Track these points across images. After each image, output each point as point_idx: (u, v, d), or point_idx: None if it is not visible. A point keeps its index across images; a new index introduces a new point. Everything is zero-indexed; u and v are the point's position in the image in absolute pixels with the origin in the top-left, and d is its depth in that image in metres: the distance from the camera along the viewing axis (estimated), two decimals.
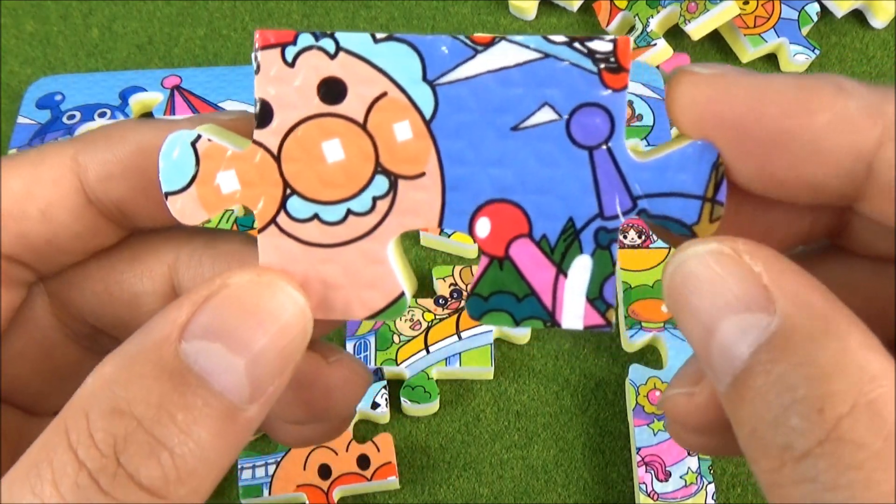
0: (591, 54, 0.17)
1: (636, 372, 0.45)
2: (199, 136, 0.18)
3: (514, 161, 0.18)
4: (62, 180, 0.19)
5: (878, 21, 0.58)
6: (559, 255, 0.18)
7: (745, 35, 0.56)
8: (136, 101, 0.53)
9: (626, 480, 0.44)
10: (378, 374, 0.45)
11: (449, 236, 0.49)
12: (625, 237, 0.48)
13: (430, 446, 0.45)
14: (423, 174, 0.18)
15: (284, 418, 0.22)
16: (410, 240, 0.51)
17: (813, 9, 0.57)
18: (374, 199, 0.18)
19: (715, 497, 0.41)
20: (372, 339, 0.46)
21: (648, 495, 0.41)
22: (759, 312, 0.14)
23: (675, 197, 0.17)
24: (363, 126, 0.18)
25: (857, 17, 0.59)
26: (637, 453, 0.43)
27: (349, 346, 0.46)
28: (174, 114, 0.53)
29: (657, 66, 0.55)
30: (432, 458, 0.45)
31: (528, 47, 0.17)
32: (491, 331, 0.46)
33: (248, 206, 0.18)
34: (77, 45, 0.59)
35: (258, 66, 0.18)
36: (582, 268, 0.18)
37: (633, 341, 0.45)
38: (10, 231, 0.19)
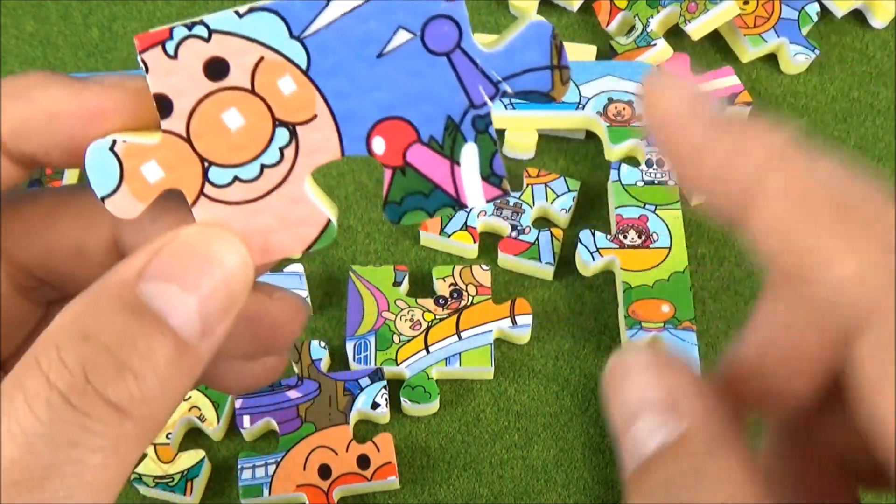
0: None
1: None
2: (114, 141, 0.20)
3: (387, 83, 0.20)
4: None
5: (878, 21, 0.58)
6: (448, 149, 0.21)
7: (745, 35, 0.56)
8: None
9: None
10: (378, 374, 0.45)
11: (449, 236, 0.49)
12: (625, 237, 0.48)
13: (430, 446, 0.45)
14: (315, 116, 0.20)
15: (235, 354, 0.23)
16: (411, 240, 0.51)
17: (813, 9, 0.57)
18: (281, 150, 0.21)
19: None
20: (372, 339, 0.46)
21: None
22: (668, 419, 0.17)
23: (528, 73, 0.20)
24: (252, 91, 0.20)
25: (857, 17, 0.59)
26: None
27: (349, 347, 0.46)
28: None
29: (657, 66, 0.55)
30: (432, 458, 0.45)
31: None
32: (491, 331, 0.46)
33: (176, 187, 0.21)
34: (77, 45, 0.59)
35: (146, 67, 0.20)
36: (470, 154, 0.21)
37: (633, 341, 0.46)
38: None
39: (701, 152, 0.18)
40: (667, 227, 0.48)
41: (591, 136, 0.54)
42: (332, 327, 0.48)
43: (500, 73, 0.20)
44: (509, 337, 0.47)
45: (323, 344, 0.46)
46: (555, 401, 0.46)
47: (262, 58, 0.20)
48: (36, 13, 0.60)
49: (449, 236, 0.49)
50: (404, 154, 0.21)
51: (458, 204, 0.21)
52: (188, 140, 0.20)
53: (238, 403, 0.45)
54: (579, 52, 0.56)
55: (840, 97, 0.56)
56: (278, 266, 0.25)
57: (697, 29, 0.55)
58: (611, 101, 0.52)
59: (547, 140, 0.54)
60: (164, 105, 0.20)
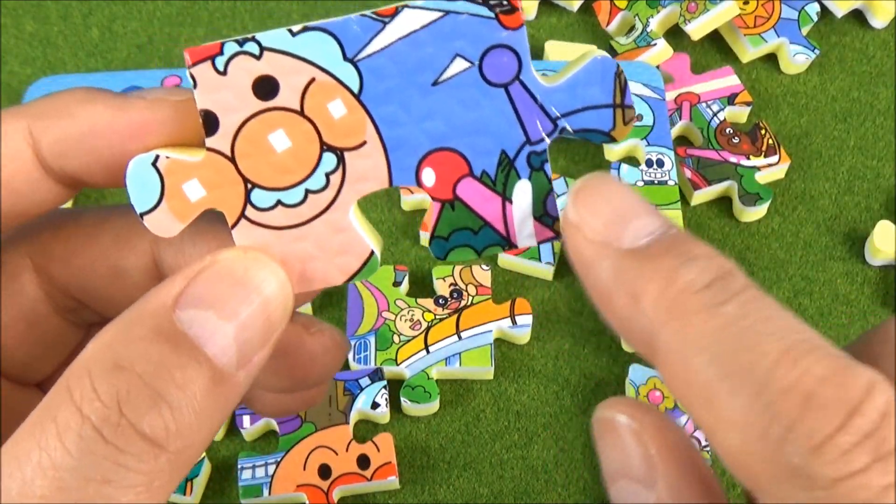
0: (485, 2, 0.19)
1: (636, 372, 0.45)
2: (157, 156, 0.20)
3: (441, 112, 0.20)
4: (18, 154, 0.20)
5: (878, 21, 0.58)
6: (500, 185, 0.20)
7: (745, 35, 0.56)
8: None
9: None
10: (378, 374, 0.45)
11: None
12: None
13: (430, 446, 0.45)
14: (364, 143, 0.20)
15: (269, 387, 0.23)
16: (411, 240, 0.51)
17: (813, 9, 0.57)
18: (327, 175, 0.20)
19: None
20: (372, 339, 0.46)
21: None
22: (643, 486, 0.17)
23: (589, 110, 0.20)
24: (301, 112, 0.20)
25: (857, 17, 0.59)
26: None
27: None
28: None
29: (657, 66, 0.55)
30: (432, 458, 0.45)
31: (428, 9, 0.19)
32: (491, 331, 0.46)
33: (217, 208, 0.20)
34: (77, 45, 0.59)
35: (194, 82, 0.19)
36: (523, 192, 0.20)
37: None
38: None
39: (608, 297, 0.18)
40: None
41: None
42: None
43: (559, 109, 0.20)
44: (509, 337, 0.47)
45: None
46: (555, 401, 0.46)
47: (313, 79, 0.19)
48: (36, 13, 0.60)
49: None
50: (454, 187, 0.20)
51: (507, 243, 0.20)
52: (232, 159, 0.20)
53: None
54: (579, 53, 0.56)
55: (840, 97, 0.56)
56: (319, 296, 0.23)
57: (697, 29, 0.55)
58: None
59: None
60: (210, 122, 0.19)
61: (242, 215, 0.20)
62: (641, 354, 0.18)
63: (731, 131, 0.53)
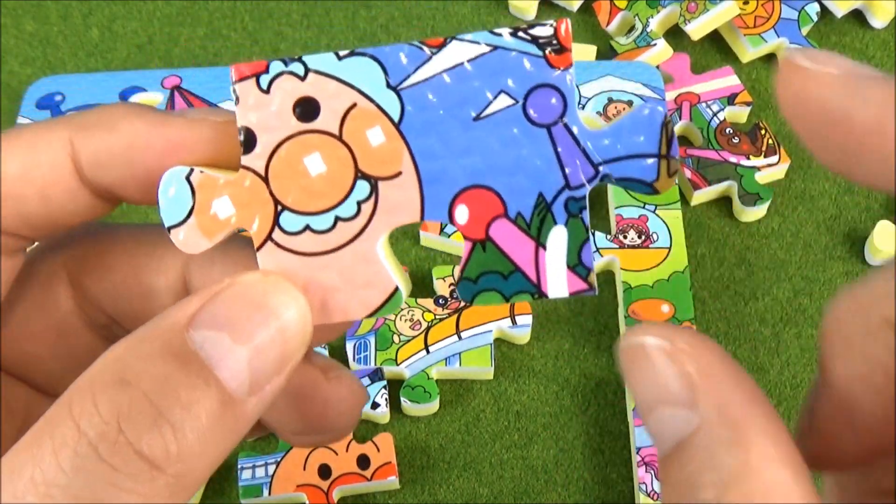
0: (534, 40, 0.18)
1: None
2: (191, 170, 0.19)
3: (480, 148, 0.19)
4: (58, 164, 0.20)
5: (878, 21, 0.58)
6: (535, 229, 0.19)
7: (745, 35, 0.56)
8: (136, 102, 0.53)
9: (626, 480, 0.44)
10: (378, 374, 0.45)
11: (449, 236, 0.49)
12: (625, 237, 0.48)
13: (430, 446, 0.45)
14: (399, 173, 0.19)
15: (283, 428, 0.22)
16: (411, 240, 0.51)
17: (813, 9, 0.57)
18: (359, 203, 0.19)
19: None
20: (372, 339, 0.46)
21: (648, 495, 0.41)
22: (683, 409, 0.16)
23: (633, 159, 0.19)
24: (339, 137, 0.19)
25: (857, 17, 0.59)
26: (637, 453, 0.43)
27: (349, 347, 0.46)
28: None
29: (657, 66, 0.55)
30: (432, 458, 0.45)
31: (477, 43, 0.19)
32: (491, 331, 0.46)
33: (244, 227, 0.19)
34: (77, 45, 0.59)
35: (237, 98, 0.19)
36: (558, 238, 0.19)
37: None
38: (10, 211, 0.20)
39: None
40: (667, 227, 0.48)
41: None
42: None
43: (602, 155, 0.19)
44: (509, 337, 0.47)
45: (323, 344, 0.46)
46: (555, 401, 0.46)
47: (354, 104, 0.19)
48: (36, 13, 0.60)
49: (449, 236, 0.49)
50: (488, 227, 0.19)
51: (537, 292, 0.19)
52: (266, 179, 0.19)
53: None
54: (579, 52, 0.56)
55: None
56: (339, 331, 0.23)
57: (697, 29, 0.55)
58: (611, 100, 0.52)
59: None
60: (248, 140, 0.19)
61: (269, 237, 0.19)
62: None
63: (731, 131, 0.53)
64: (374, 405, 0.44)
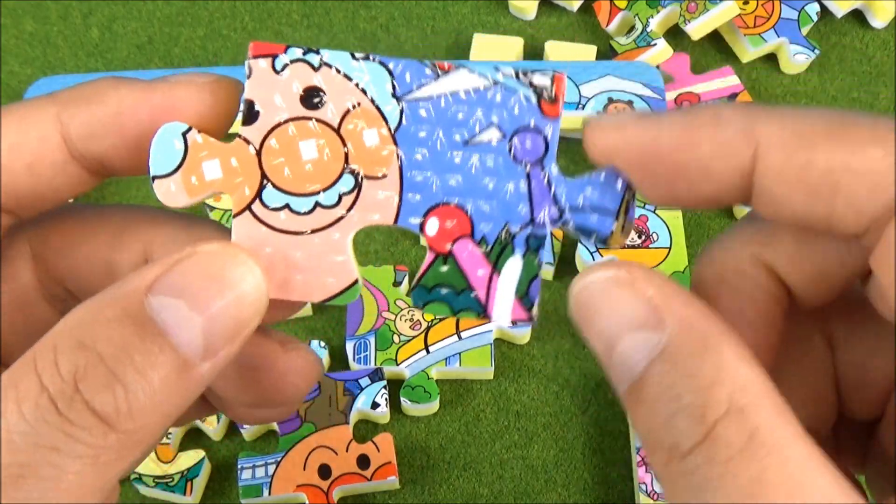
0: (532, 86, 0.20)
1: None
2: (189, 129, 0.20)
3: (463, 170, 0.20)
4: (47, 138, 0.20)
5: (878, 21, 0.58)
6: (495, 255, 0.20)
7: (745, 35, 0.56)
8: None
9: (626, 480, 0.44)
10: (378, 374, 0.45)
11: None
12: None
13: (430, 446, 0.45)
14: (385, 176, 0.20)
15: (238, 401, 0.23)
16: (411, 240, 0.51)
17: (813, 9, 0.57)
18: (341, 195, 0.20)
19: None
20: (372, 339, 0.46)
21: (648, 495, 0.41)
22: (651, 331, 0.17)
23: (595, 212, 0.20)
24: (337, 130, 0.20)
25: (857, 17, 0.59)
26: (637, 453, 0.43)
27: (349, 347, 0.46)
28: None
29: (657, 66, 0.55)
30: (432, 458, 0.45)
31: (483, 76, 0.20)
32: (491, 331, 0.46)
33: (226, 192, 0.20)
34: (77, 45, 0.59)
35: (249, 72, 0.20)
36: (513, 268, 0.20)
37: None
38: None
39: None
40: (667, 227, 0.48)
41: None
42: (332, 327, 0.48)
43: (568, 202, 0.20)
44: (509, 337, 0.47)
45: (323, 344, 0.46)
46: (555, 401, 0.46)
47: (358, 103, 0.20)
48: (36, 13, 0.60)
49: None
50: (452, 244, 0.21)
51: (483, 313, 0.21)
52: (258, 153, 0.20)
53: None
54: (579, 52, 0.56)
55: (840, 97, 0.56)
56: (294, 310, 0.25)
57: (697, 29, 0.55)
58: (611, 100, 0.52)
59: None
60: (250, 113, 0.20)
61: (248, 207, 0.20)
62: (726, 200, 0.18)
63: None
64: (374, 405, 0.44)
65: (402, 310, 0.47)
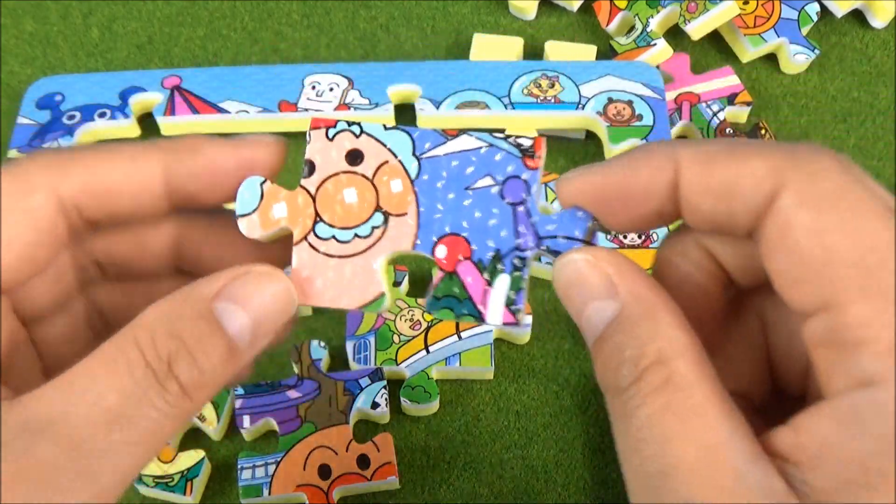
0: (518, 146, 0.27)
1: None
2: (264, 180, 0.27)
3: (465, 209, 0.27)
4: (151, 178, 0.27)
5: (878, 21, 0.58)
6: (489, 273, 0.26)
7: (745, 35, 0.56)
8: (136, 102, 0.53)
9: None
10: (378, 374, 0.45)
11: None
12: (624, 237, 0.48)
13: (430, 446, 0.45)
14: (405, 214, 0.27)
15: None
16: None
17: (813, 9, 0.57)
18: (373, 228, 0.27)
19: None
20: (372, 339, 0.46)
21: None
22: (608, 299, 0.22)
23: (566, 239, 0.26)
24: (371, 180, 0.27)
25: (857, 17, 0.59)
26: None
27: (349, 347, 0.46)
28: (174, 114, 0.53)
29: (657, 66, 0.55)
30: (432, 458, 0.45)
31: (480, 139, 0.27)
32: (491, 331, 0.46)
33: (290, 227, 0.27)
34: (77, 45, 0.59)
35: (309, 139, 0.27)
36: (503, 283, 0.26)
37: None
38: (100, 204, 0.27)
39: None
40: (667, 227, 0.48)
41: (590, 135, 0.54)
42: (332, 327, 0.48)
43: (545, 233, 0.26)
44: (509, 337, 0.47)
45: (323, 344, 0.46)
46: (555, 401, 0.46)
47: (387, 161, 0.27)
48: (36, 13, 0.60)
49: None
50: (456, 265, 0.26)
51: (479, 317, 0.26)
52: (313, 198, 0.27)
53: (238, 403, 0.45)
54: (579, 52, 0.56)
55: (840, 97, 0.56)
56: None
57: (697, 29, 0.55)
58: (611, 100, 0.52)
59: (546, 140, 0.54)
60: (309, 167, 0.27)
61: (305, 238, 0.27)
62: (664, 219, 0.24)
63: (731, 131, 0.53)
64: (374, 405, 0.44)
65: (402, 310, 0.47)
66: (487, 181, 0.27)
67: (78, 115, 0.53)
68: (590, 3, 0.59)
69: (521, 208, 0.26)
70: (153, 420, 0.23)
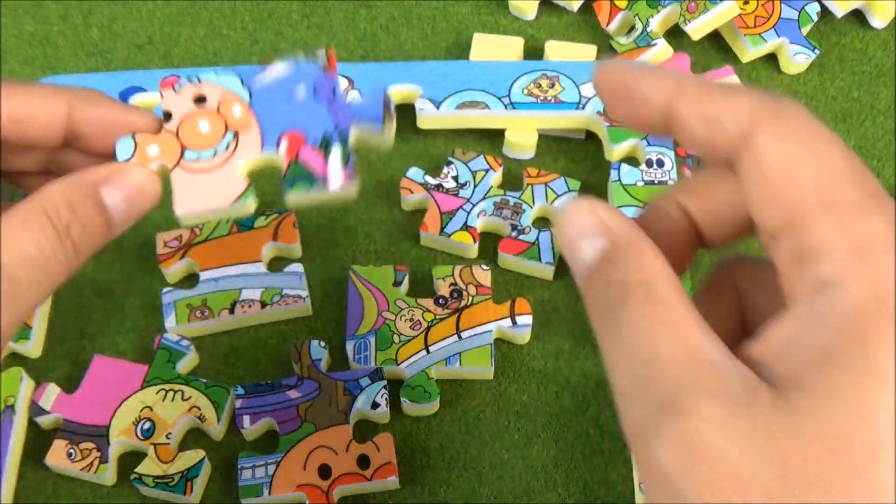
0: (318, 60, 0.36)
1: None
2: (134, 134, 0.35)
3: (293, 113, 0.35)
4: (59, 111, 0.34)
5: (878, 21, 0.58)
6: (323, 149, 0.34)
7: (745, 35, 0.56)
8: (137, 102, 0.53)
9: (626, 480, 0.44)
10: (378, 374, 0.45)
11: (449, 236, 0.49)
12: None
13: (430, 446, 0.45)
14: (249, 128, 0.35)
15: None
16: (411, 240, 0.51)
17: (813, 9, 0.57)
18: (228, 144, 0.35)
19: None
20: (372, 339, 0.46)
21: None
22: (599, 237, 0.26)
23: (368, 113, 0.36)
24: (217, 111, 0.35)
25: (857, 17, 0.59)
26: None
27: (349, 347, 0.46)
28: None
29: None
30: (432, 458, 0.45)
31: (290, 63, 0.36)
32: (491, 331, 0.46)
33: (163, 160, 0.34)
34: (77, 45, 0.59)
35: (161, 96, 0.35)
36: (335, 154, 0.34)
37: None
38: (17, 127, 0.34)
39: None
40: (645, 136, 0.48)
41: (591, 135, 0.54)
42: (332, 327, 0.48)
43: (353, 112, 0.35)
44: (509, 337, 0.47)
45: (323, 344, 0.46)
46: (555, 401, 0.46)
47: (225, 95, 0.35)
48: (36, 13, 0.60)
49: (449, 236, 0.49)
50: (297, 152, 0.34)
51: (325, 182, 0.34)
52: (177, 135, 0.35)
53: (238, 403, 0.45)
54: (580, 52, 0.56)
55: (840, 97, 0.56)
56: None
57: (697, 29, 0.55)
58: None
59: (547, 140, 0.54)
60: (166, 116, 0.35)
61: (178, 164, 0.34)
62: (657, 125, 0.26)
63: None
64: (374, 405, 0.44)
65: (402, 310, 0.47)
66: (303, 89, 0.36)
67: None
68: (590, 3, 0.59)
69: (333, 102, 0.35)
70: (53, 267, 0.31)
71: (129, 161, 0.34)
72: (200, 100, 0.35)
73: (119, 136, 0.35)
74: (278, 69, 0.36)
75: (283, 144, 0.35)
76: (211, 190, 0.34)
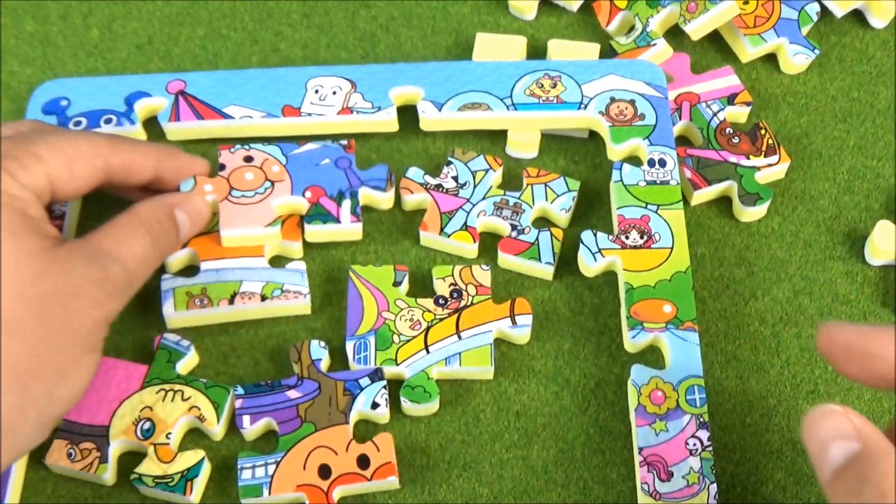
0: (340, 143, 0.51)
1: (638, 372, 0.45)
2: (195, 177, 0.48)
3: (316, 174, 0.49)
4: (98, 163, 0.45)
5: (878, 21, 0.58)
6: (338, 200, 0.48)
7: (745, 35, 0.56)
8: (142, 108, 0.53)
9: (627, 480, 0.44)
10: (378, 374, 0.45)
11: (449, 236, 0.49)
12: (627, 238, 0.48)
13: (430, 446, 0.45)
14: (283, 181, 0.49)
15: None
16: (411, 240, 0.51)
17: (813, 9, 0.57)
18: (266, 189, 0.48)
19: (717, 497, 0.41)
20: (372, 339, 0.46)
21: (651, 495, 0.41)
22: (850, 441, 0.30)
23: (375, 181, 0.50)
24: (260, 168, 0.49)
25: (857, 17, 0.59)
26: (639, 453, 0.43)
27: (349, 347, 0.46)
28: (178, 119, 0.53)
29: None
30: (432, 458, 0.45)
31: (319, 143, 0.51)
32: (491, 331, 0.46)
33: (216, 197, 0.48)
34: (77, 45, 0.59)
35: (219, 155, 0.50)
36: (346, 204, 0.48)
37: (634, 342, 0.46)
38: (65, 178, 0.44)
39: None
40: (668, 227, 0.48)
41: (592, 135, 0.54)
42: (332, 327, 0.48)
43: (362, 178, 0.49)
44: (509, 337, 0.47)
45: (323, 344, 0.46)
46: (555, 401, 0.46)
47: (267, 158, 0.50)
48: (36, 13, 0.60)
49: (449, 236, 0.49)
50: (318, 199, 0.49)
51: (336, 221, 0.48)
52: (228, 181, 0.49)
53: (238, 403, 0.45)
54: (582, 51, 0.56)
55: (840, 97, 0.56)
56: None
57: (697, 29, 0.55)
58: (613, 100, 0.52)
59: (547, 139, 0.54)
60: (221, 167, 0.49)
61: (226, 198, 0.48)
62: None
63: (731, 131, 0.53)
64: (374, 405, 0.44)
65: (401, 310, 0.47)
66: (326, 161, 0.50)
67: (84, 120, 0.53)
68: (590, 3, 0.59)
69: (349, 170, 0.50)
70: (153, 266, 0.44)
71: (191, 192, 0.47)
72: (248, 159, 0.49)
73: (186, 178, 0.48)
74: (310, 146, 0.50)
75: (308, 194, 0.48)
76: (249, 217, 0.47)
